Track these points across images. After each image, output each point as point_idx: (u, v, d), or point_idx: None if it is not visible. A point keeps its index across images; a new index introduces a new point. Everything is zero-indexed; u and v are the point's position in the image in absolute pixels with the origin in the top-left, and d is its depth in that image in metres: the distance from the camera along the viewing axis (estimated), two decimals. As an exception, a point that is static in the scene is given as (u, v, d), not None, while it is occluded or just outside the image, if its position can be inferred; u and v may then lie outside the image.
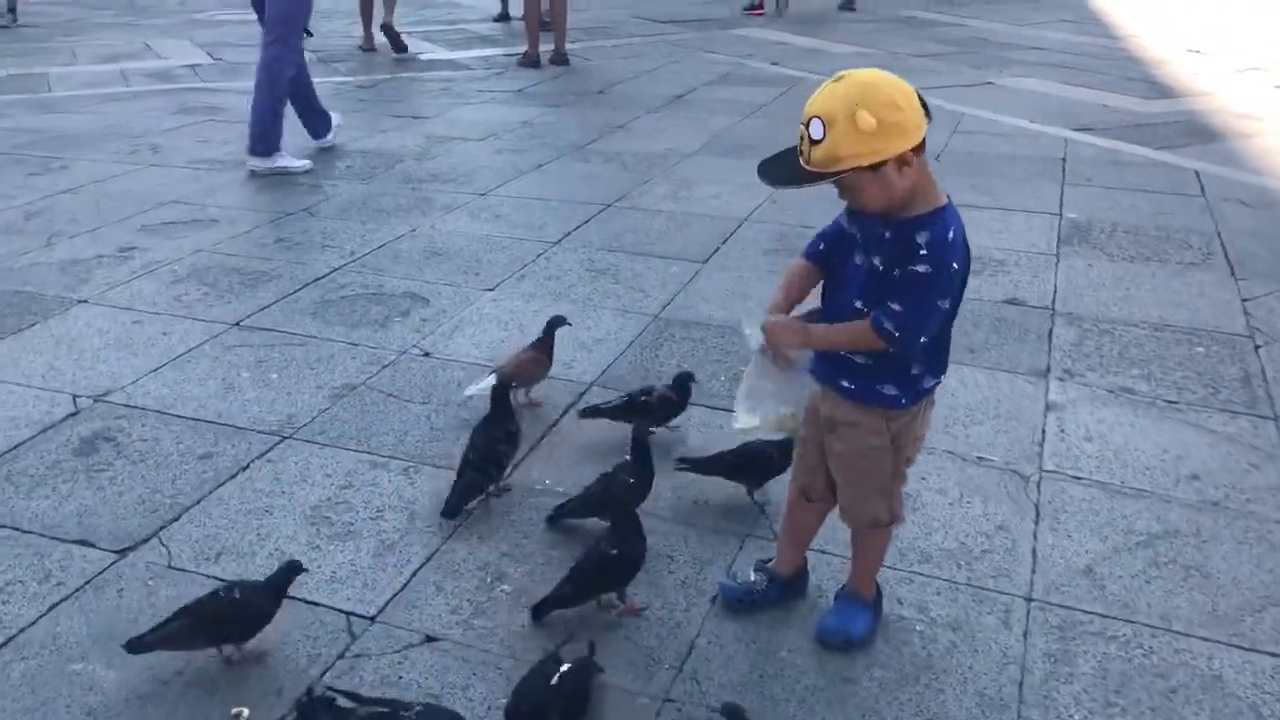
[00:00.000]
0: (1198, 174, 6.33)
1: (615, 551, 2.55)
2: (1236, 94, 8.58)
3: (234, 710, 2.30)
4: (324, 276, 4.71)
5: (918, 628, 2.59)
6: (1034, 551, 2.88)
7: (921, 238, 2.11)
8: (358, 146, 6.95)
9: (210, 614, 2.39)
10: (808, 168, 2.10)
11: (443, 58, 10.45)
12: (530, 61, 9.89)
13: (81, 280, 4.66)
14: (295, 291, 4.54)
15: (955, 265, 2.12)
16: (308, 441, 3.38)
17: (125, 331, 4.17)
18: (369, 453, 3.32)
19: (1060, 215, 5.56)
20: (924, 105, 2.08)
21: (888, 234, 2.17)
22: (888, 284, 2.16)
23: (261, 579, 2.50)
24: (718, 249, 5.07)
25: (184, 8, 14.01)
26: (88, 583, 2.71)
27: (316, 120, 6.70)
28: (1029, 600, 2.69)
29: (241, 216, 5.53)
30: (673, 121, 7.75)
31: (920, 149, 2.09)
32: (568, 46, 10.10)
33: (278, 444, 3.36)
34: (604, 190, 5.98)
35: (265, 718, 2.29)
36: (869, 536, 2.54)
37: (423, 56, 10.47)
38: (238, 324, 4.23)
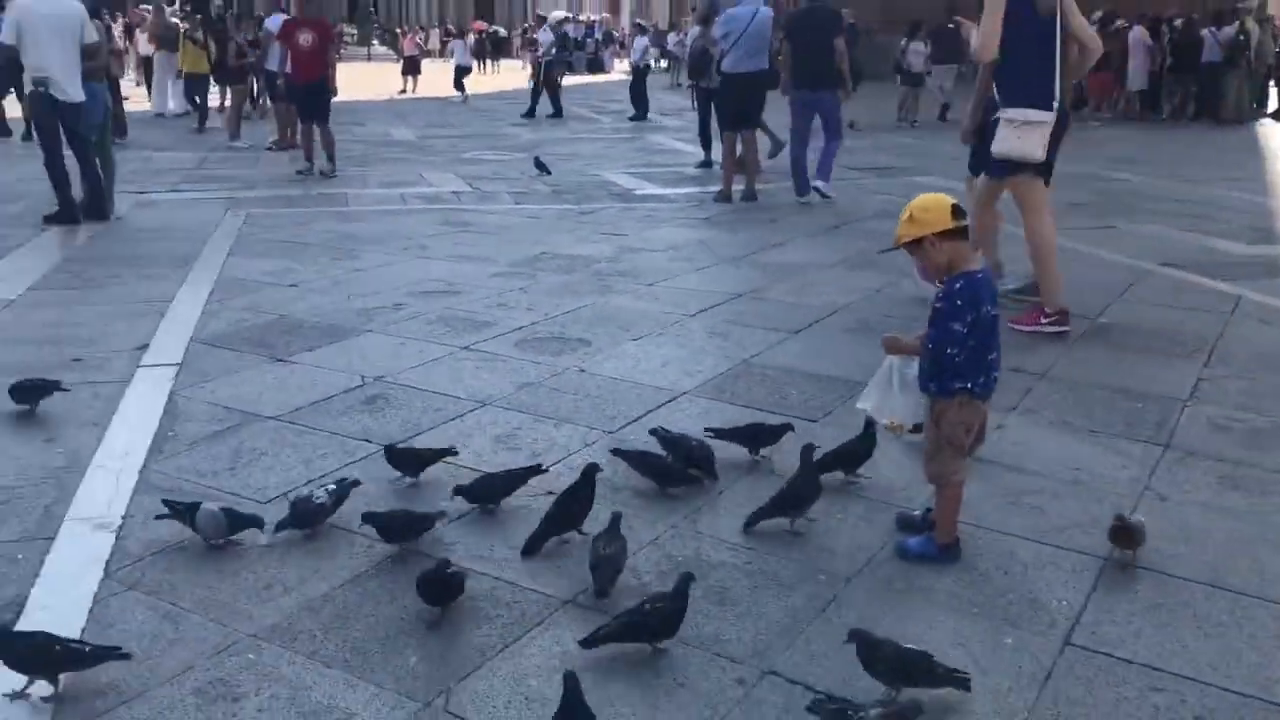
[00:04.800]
0: (1238, 298, 7.60)
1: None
2: (1336, 243, 9.63)
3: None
4: (525, 326, 6.83)
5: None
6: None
7: (944, 288, 3.49)
8: (566, 252, 9.18)
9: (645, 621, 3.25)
10: (894, 243, 3.64)
11: (654, 192, 12.73)
12: (723, 197, 11.89)
13: (369, 320, 6.95)
14: (507, 333, 6.66)
15: (959, 302, 3.39)
16: (501, 409, 5.39)
17: (396, 347, 6.38)
18: (537, 416, 5.29)
19: (1093, 321, 7.03)
20: (956, 211, 3.41)
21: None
22: None
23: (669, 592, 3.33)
24: (808, 326, 6.87)
25: (453, 149, 17.12)
26: (367, 456, 4.75)
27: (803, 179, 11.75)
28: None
29: (476, 290, 7.76)
30: (820, 244, 9.62)
31: (950, 235, 3.42)
32: (758, 187, 12.08)
33: (480, 408, 5.39)
34: (742, 286, 7.91)
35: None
36: (939, 492, 3.74)
37: (638, 191, 12.77)
38: (465, 348, 6.36)
